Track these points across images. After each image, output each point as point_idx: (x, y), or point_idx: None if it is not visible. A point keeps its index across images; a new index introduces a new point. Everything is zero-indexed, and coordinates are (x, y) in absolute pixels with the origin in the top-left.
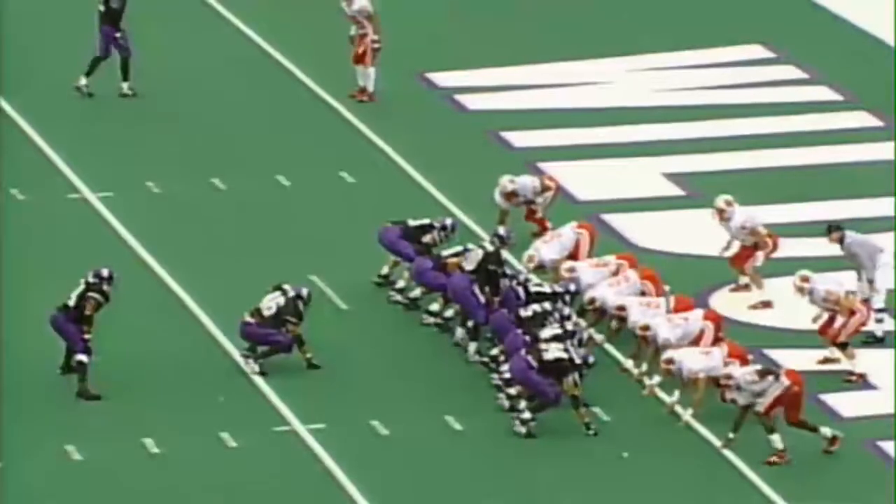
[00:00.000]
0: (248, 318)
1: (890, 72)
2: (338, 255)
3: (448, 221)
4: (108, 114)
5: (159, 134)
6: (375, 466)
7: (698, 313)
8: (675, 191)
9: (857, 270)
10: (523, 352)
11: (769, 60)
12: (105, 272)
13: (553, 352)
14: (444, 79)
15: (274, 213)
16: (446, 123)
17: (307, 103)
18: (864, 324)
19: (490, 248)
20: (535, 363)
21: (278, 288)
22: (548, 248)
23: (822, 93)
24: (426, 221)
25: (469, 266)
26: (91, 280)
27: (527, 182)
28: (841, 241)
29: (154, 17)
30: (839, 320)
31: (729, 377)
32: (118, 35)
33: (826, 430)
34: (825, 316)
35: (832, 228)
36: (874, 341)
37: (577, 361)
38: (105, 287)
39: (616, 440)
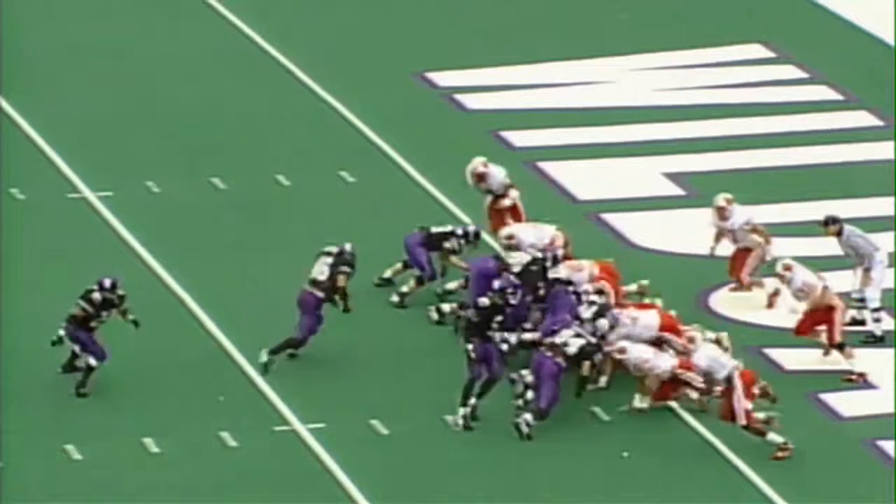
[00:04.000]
0: (308, 287)
1: (890, 71)
2: None
3: (470, 228)
4: (108, 112)
5: (159, 133)
6: (375, 466)
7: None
8: (674, 190)
9: (854, 266)
10: (549, 354)
11: (769, 60)
12: (107, 282)
13: (574, 345)
14: (443, 78)
15: (274, 212)
16: (446, 123)
17: (307, 102)
18: (848, 319)
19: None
20: (563, 362)
21: (322, 253)
22: (526, 233)
23: (822, 92)
24: (448, 228)
25: (516, 269)
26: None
27: (497, 173)
28: (839, 233)
29: (153, 15)
30: (820, 322)
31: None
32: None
33: (775, 437)
34: (799, 309)
35: (829, 221)
36: (874, 341)
37: (595, 342)
38: (109, 296)
39: (616, 440)
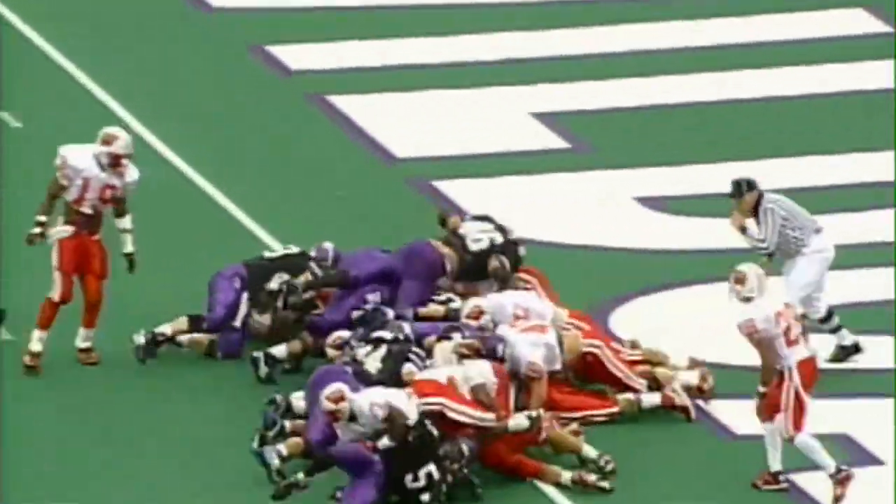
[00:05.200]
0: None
1: None
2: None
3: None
4: None
5: None
6: None
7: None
8: (551, 140)
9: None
10: None
11: None
12: None
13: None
14: None
15: None
16: (183, 33)
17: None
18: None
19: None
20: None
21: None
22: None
23: None
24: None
25: None
26: None
27: (82, 153)
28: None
29: None
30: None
31: None
32: None
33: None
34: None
35: (742, 187)
36: (855, 351)
37: None
38: None
39: None
